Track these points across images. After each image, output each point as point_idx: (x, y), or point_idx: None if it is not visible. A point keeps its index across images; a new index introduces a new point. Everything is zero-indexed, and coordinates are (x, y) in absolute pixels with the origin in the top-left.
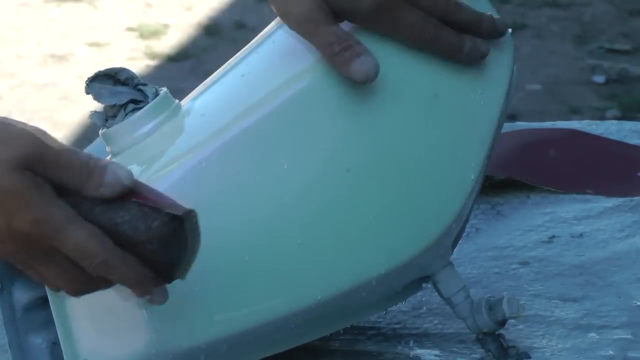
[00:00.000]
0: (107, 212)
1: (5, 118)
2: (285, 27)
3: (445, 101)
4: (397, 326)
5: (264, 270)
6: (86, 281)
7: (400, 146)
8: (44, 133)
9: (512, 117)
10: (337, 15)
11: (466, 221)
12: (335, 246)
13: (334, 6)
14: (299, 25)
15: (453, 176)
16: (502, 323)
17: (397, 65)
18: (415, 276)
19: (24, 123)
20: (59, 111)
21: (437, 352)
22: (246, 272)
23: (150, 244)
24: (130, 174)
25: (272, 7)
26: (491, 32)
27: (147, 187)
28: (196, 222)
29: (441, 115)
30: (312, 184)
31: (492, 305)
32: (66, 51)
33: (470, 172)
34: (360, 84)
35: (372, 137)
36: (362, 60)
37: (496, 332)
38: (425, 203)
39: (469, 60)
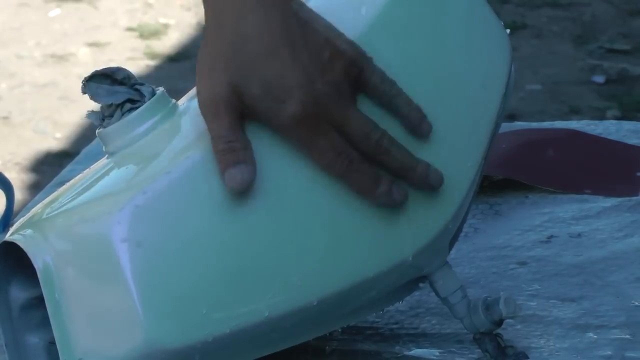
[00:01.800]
0: None
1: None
2: None
3: (442, 101)
4: (394, 326)
5: (260, 268)
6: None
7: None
8: None
9: (512, 117)
10: (250, 114)
11: (464, 221)
12: (331, 245)
13: (250, 105)
14: (202, 107)
15: (450, 175)
16: (499, 323)
17: (394, 66)
18: (412, 276)
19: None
20: (59, 111)
21: (435, 352)
22: (242, 271)
23: None
24: None
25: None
26: (421, 184)
27: None
28: None
29: (438, 114)
30: (309, 183)
31: (489, 306)
32: (66, 51)
33: (467, 172)
34: (229, 191)
35: None
36: (238, 169)
37: (493, 332)
38: (422, 202)
39: (377, 205)
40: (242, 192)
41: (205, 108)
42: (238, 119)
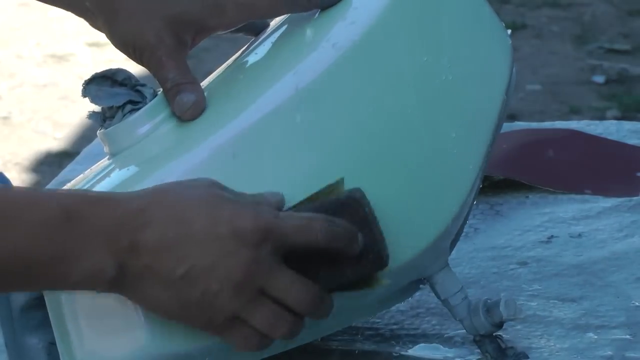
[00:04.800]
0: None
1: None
2: (285, 26)
3: (443, 102)
4: (395, 326)
5: None
6: (293, 321)
7: (398, 147)
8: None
9: (512, 117)
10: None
11: (464, 222)
12: None
13: None
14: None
15: (451, 177)
16: (500, 325)
17: (395, 67)
18: (413, 277)
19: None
20: (59, 111)
21: (435, 352)
22: None
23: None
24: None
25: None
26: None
27: None
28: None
29: (439, 116)
30: (311, 185)
31: (490, 308)
32: (66, 51)
33: (468, 173)
34: (181, 118)
35: (368, 139)
36: (184, 95)
37: (494, 334)
38: (423, 204)
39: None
40: (193, 118)
41: (148, 65)
42: (183, 60)
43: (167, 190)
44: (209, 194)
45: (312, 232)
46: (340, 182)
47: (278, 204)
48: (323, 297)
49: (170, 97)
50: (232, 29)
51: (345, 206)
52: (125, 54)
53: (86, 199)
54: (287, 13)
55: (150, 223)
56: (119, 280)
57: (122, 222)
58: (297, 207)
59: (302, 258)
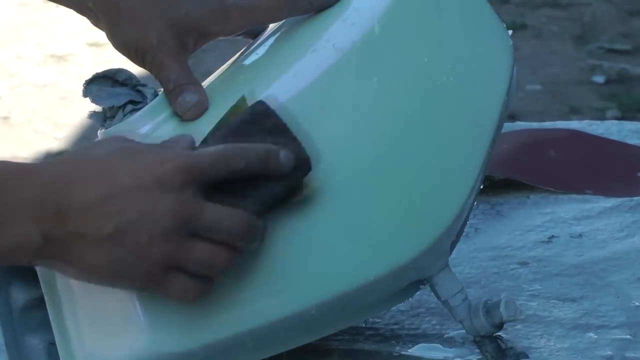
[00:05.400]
0: None
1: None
2: (286, 27)
3: (444, 102)
4: (395, 326)
5: (261, 273)
6: (229, 255)
7: (398, 148)
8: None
9: (512, 117)
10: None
11: (465, 223)
12: (332, 249)
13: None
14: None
15: (452, 178)
16: (500, 326)
17: (396, 67)
18: (413, 278)
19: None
20: (59, 111)
21: (435, 352)
22: (242, 277)
23: None
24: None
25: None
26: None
27: None
28: None
29: (440, 116)
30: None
31: (490, 309)
32: (66, 51)
33: (469, 174)
34: (183, 118)
35: (369, 140)
36: (186, 95)
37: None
38: (423, 205)
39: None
40: (195, 117)
41: (150, 66)
42: (185, 62)
43: (83, 153)
44: (123, 147)
45: (230, 161)
46: (242, 100)
47: (190, 144)
48: (253, 223)
49: (172, 97)
50: (234, 35)
51: (253, 123)
52: (126, 55)
53: (6, 169)
54: (288, 17)
55: (72, 187)
56: (48, 250)
57: (44, 190)
58: (208, 140)
59: (226, 187)
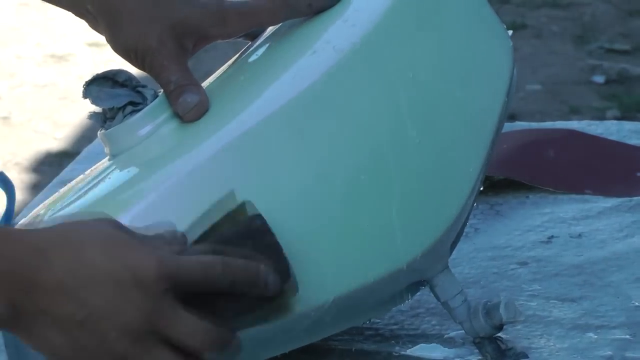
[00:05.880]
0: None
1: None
2: (286, 28)
3: (444, 103)
4: (394, 327)
5: None
6: None
7: (398, 148)
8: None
9: (512, 117)
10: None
11: (464, 224)
12: (332, 251)
13: None
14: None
15: (451, 179)
16: (500, 327)
17: (396, 68)
18: (413, 280)
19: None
20: (59, 111)
21: (435, 352)
22: None
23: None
24: None
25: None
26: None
27: None
28: None
29: (440, 117)
30: (309, 187)
31: (489, 310)
32: (66, 51)
33: (468, 175)
34: (184, 119)
35: (368, 142)
36: (188, 95)
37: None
38: (423, 206)
39: None
40: (196, 118)
41: (150, 69)
42: (185, 64)
43: (69, 230)
44: (111, 235)
45: (217, 278)
46: (241, 206)
47: (180, 242)
48: (226, 338)
49: (173, 98)
50: (233, 38)
51: (248, 238)
52: (125, 58)
53: None
54: (288, 19)
55: (49, 264)
56: (12, 321)
57: (19, 261)
58: (200, 241)
59: (206, 296)
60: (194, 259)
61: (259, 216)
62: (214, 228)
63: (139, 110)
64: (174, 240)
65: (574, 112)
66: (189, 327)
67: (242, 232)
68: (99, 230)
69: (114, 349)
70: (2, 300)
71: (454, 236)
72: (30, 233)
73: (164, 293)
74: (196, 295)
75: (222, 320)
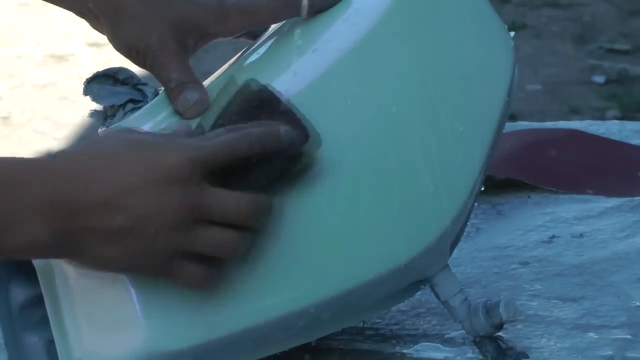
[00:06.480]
0: None
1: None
2: (286, 27)
3: (445, 103)
4: (395, 326)
5: (260, 271)
6: (238, 237)
7: (399, 148)
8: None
9: (512, 117)
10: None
11: (465, 223)
12: (332, 249)
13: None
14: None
15: (452, 178)
16: (500, 327)
17: (397, 68)
18: (413, 279)
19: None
20: (59, 111)
21: (435, 352)
22: (241, 275)
23: None
24: None
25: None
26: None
27: None
28: None
29: (441, 117)
30: (308, 187)
31: (490, 309)
32: (66, 51)
33: (469, 175)
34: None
35: (369, 140)
36: (188, 93)
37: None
38: (423, 205)
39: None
40: (196, 116)
41: (151, 67)
42: (185, 62)
43: (97, 148)
44: (137, 141)
45: (234, 148)
46: (246, 85)
47: (198, 133)
48: (259, 201)
49: (173, 95)
50: (234, 36)
51: (261, 109)
52: (126, 56)
53: (14, 166)
54: (288, 18)
55: (81, 183)
56: (58, 246)
57: (53, 187)
58: (211, 126)
59: (229, 169)
60: (217, 140)
61: (265, 88)
62: (225, 112)
63: (139, 108)
64: (193, 133)
65: (574, 112)
66: (231, 202)
67: (253, 107)
68: (124, 140)
69: (166, 245)
70: (46, 230)
71: (455, 235)
72: (58, 159)
73: (199, 179)
74: (227, 173)
75: (249, 188)
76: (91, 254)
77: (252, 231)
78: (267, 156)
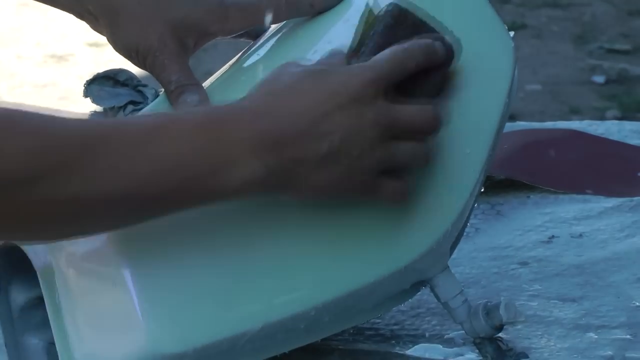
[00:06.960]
0: None
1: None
2: (286, 27)
3: (445, 104)
4: (395, 327)
5: (261, 274)
6: (425, 147)
7: None
8: None
9: (512, 117)
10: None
11: (465, 225)
12: (333, 250)
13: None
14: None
15: (452, 180)
16: (500, 328)
17: None
18: (413, 280)
19: None
20: (59, 111)
21: (435, 352)
22: (241, 278)
23: None
24: None
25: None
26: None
27: None
28: None
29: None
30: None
31: (490, 311)
32: (66, 51)
33: (469, 176)
34: None
35: None
36: (187, 94)
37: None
38: (423, 207)
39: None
40: None
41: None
42: (185, 63)
43: (276, 86)
44: (311, 72)
45: (404, 63)
46: (370, 12)
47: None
48: (437, 113)
49: (173, 97)
50: (234, 35)
51: (395, 26)
52: (126, 57)
53: (215, 111)
54: (289, 18)
55: (281, 118)
56: (272, 180)
57: (257, 126)
58: (362, 52)
59: (398, 86)
60: (379, 60)
61: (394, 5)
62: (369, 36)
63: (139, 110)
64: (352, 57)
65: (574, 112)
66: (417, 115)
67: (389, 23)
68: (303, 73)
69: (362, 164)
70: (259, 164)
71: (455, 236)
72: (253, 103)
73: (375, 96)
74: (396, 90)
75: (423, 100)
76: (304, 183)
77: (429, 142)
78: (424, 72)
